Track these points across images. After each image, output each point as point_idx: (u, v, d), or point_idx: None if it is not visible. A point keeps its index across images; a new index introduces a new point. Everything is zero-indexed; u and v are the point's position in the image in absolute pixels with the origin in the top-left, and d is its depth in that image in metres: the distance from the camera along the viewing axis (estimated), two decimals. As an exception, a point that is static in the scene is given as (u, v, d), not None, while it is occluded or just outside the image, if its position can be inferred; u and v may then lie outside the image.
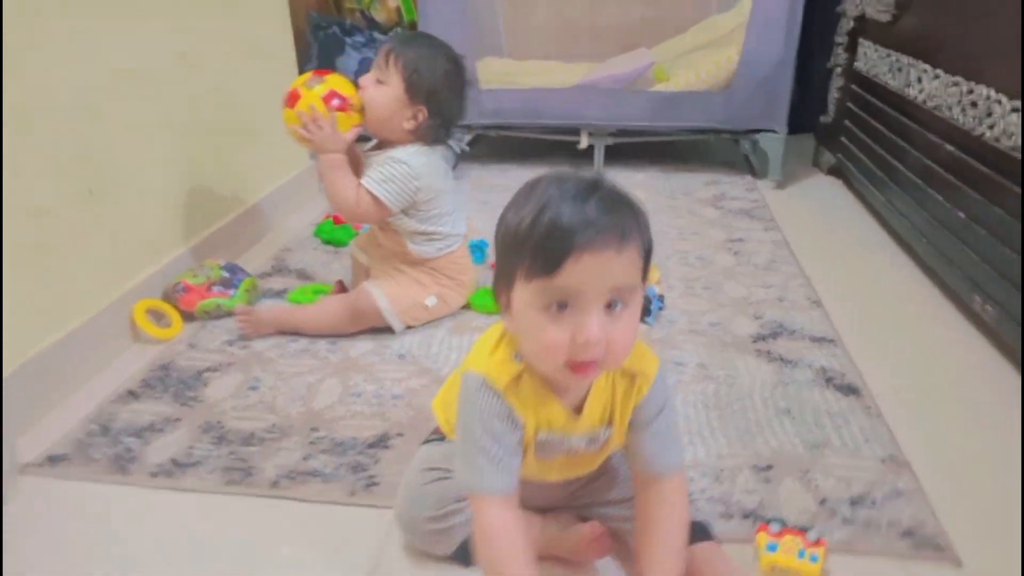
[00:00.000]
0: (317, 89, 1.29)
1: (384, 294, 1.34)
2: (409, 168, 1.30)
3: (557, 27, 2.80)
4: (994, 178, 1.33)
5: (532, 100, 2.23)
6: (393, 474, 1.01)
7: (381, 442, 1.08)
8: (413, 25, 2.83)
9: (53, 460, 1.05)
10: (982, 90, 1.38)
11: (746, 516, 0.95)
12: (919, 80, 1.67)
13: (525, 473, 0.76)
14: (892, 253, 1.78)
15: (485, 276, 1.50)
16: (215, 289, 1.45)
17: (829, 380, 1.24)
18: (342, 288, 1.52)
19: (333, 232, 1.82)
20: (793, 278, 1.63)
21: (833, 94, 2.27)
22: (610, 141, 2.28)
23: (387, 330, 1.37)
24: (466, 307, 1.47)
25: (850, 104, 2.13)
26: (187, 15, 1.55)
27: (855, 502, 0.97)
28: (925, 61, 1.65)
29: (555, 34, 2.80)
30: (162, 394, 1.21)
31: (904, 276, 1.66)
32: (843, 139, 2.16)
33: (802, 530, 0.89)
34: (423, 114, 1.31)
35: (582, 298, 0.64)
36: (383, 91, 1.30)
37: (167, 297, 1.44)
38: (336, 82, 1.31)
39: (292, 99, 1.30)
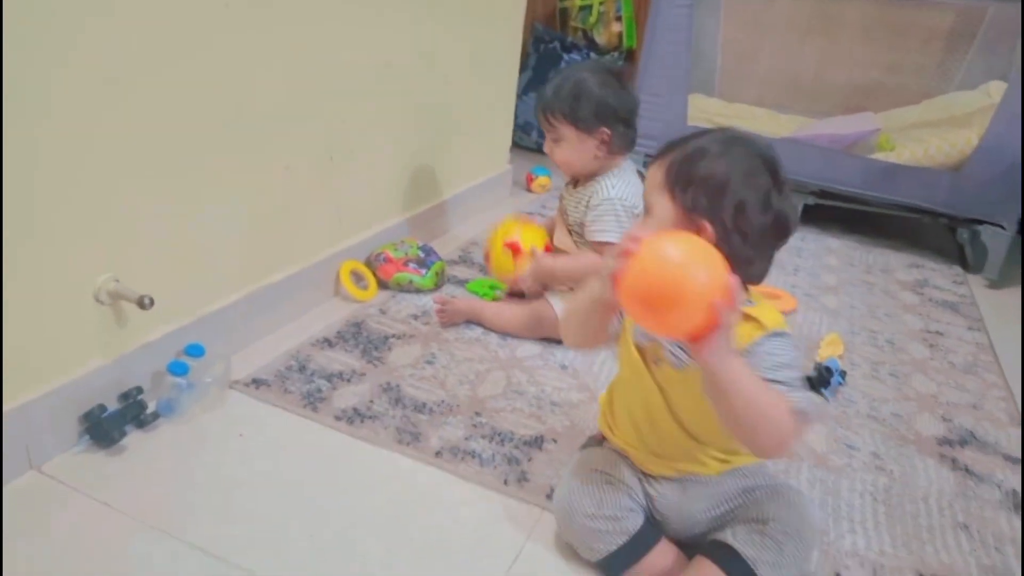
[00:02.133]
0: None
1: (564, 307, 1.39)
2: (622, 203, 1.34)
3: (775, 76, 2.74)
4: None
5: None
6: (544, 475, 1.04)
7: (537, 443, 1.12)
8: (631, 52, 2.89)
9: (257, 383, 1.19)
10: None
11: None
12: None
13: (626, 361, 0.86)
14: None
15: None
16: (410, 266, 1.56)
17: (1019, 506, 1.13)
18: (517, 294, 1.58)
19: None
20: (994, 388, 1.49)
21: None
22: (811, 201, 2.19)
23: (554, 342, 1.41)
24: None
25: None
26: (431, 14, 1.68)
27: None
28: None
29: (771, 83, 2.74)
30: (352, 348, 1.33)
31: None
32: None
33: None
34: (606, 134, 1.34)
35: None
36: (562, 147, 1.36)
37: (368, 264, 1.58)
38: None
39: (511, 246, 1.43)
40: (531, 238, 1.43)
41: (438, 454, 1.07)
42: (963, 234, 2.16)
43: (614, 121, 1.34)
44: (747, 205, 0.76)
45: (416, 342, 1.38)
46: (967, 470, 1.20)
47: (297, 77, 1.28)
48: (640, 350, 0.86)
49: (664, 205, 0.79)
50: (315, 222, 1.44)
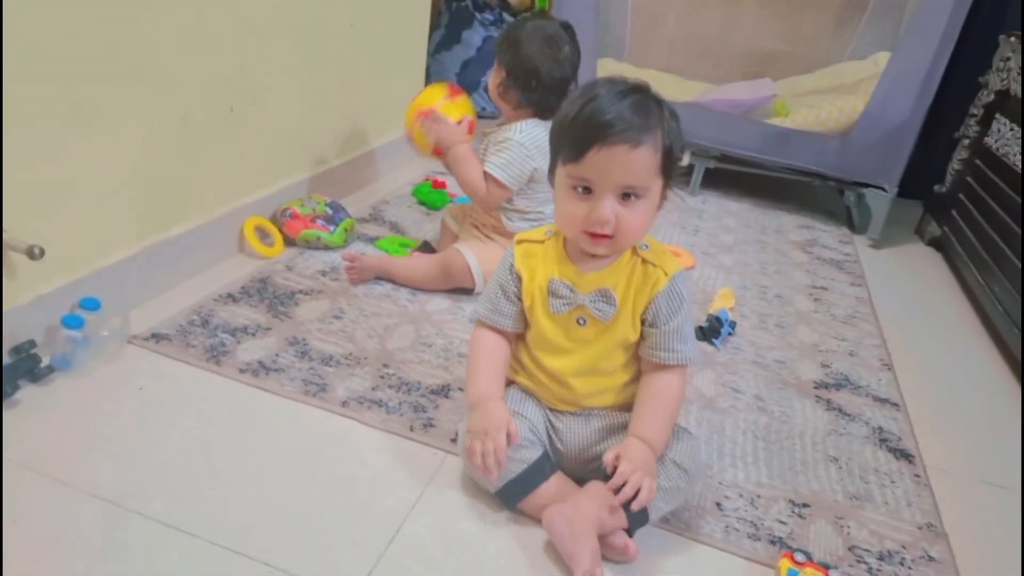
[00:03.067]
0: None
1: (474, 255, 1.42)
2: (523, 148, 1.36)
3: (682, 42, 2.82)
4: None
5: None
6: (449, 421, 1.08)
7: (443, 391, 1.16)
8: (543, 13, 2.90)
9: (156, 337, 1.17)
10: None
11: (772, 542, 0.97)
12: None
13: (544, 334, 0.93)
14: (978, 336, 1.74)
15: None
16: (318, 222, 1.55)
17: (884, 441, 1.25)
18: (427, 248, 1.60)
19: (429, 195, 1.91)
20: (869, 336, 1.62)
21: (954, 165, 2.22)
22: (712, 164, 2.29)
23: (463, 294, 1.44)
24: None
25: (969, 179, 2.08)
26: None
27: (884, 557, 0.98)
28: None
29: (678, 49, 2.82)
30: (258, 304, 1.31)
31: (985, 362, 1.63)
32: (953, 212, 2.12)
33: (825, 567, 0.91)
34: (503, 78, 1.37)
35: (598, 185, 0.84)
36: (492, 76, 1.40)
37: (274, 220, 1.56)
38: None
39: (425, 114, 1.43)
40: (451, 109, 1.44)
41: (344, 404, 1.09)
42: (850, 196, 2.31)
43: (527, 78, 1.36)
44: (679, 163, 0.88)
45: (324, 298, 1.38)
46: (840, 410, 1.32)
47: (194, 18, 1.23)
48: (556, 319, 0.93)
49: (654, 191, 0.88)
50: (217, 175, 1.40)
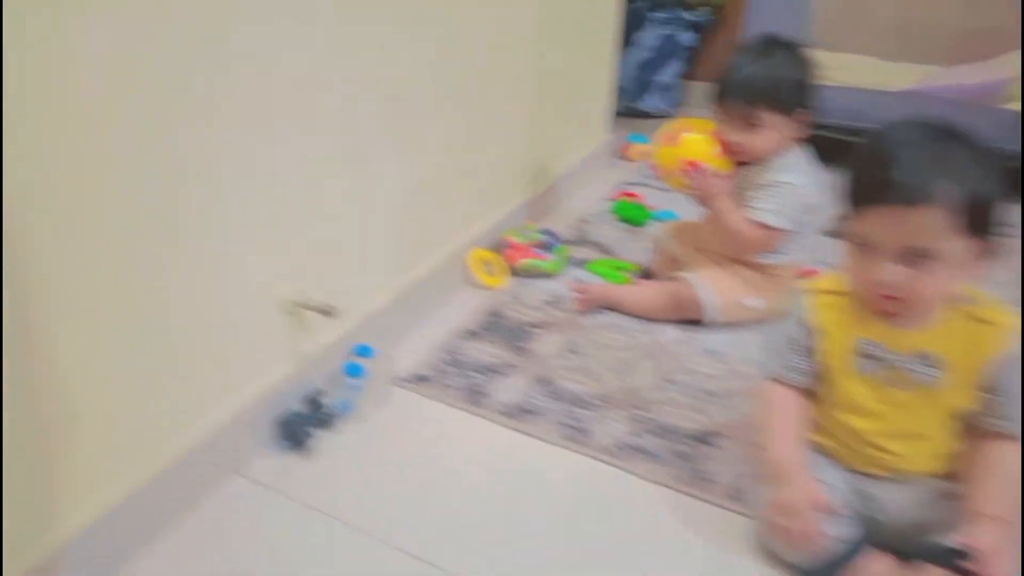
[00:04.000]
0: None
1: (707, 286, 1.38)
2: (798, 189, 1.31)
3: (880, 20, 2.58)
4: None
5: (855, 100, 2.08)
6: (720, 473, 1.05)
7: (703, 438, 1.13)
8: (720, 7, 2.79)
9: (419, 379, 1.23)
10: None
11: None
12: None
13: (859, 396, 0.86)
14: None
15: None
16: (536, 251, 1.57)
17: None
18: (644, 274, 1.57)
19: (630, 211, 1.88)
20: None
21: None
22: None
23: (692, 323, 1.41)
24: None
25: None
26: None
27: None
28: None
29: (876, 28, 2.58)
30: (496, 339, 1.35)
31: None
32: None
33: None
34: (807, 115, 1.30)
35: (874, 245, 0.78)
36: (765, 136, 1.30)
37: (494, 251, 1.59)
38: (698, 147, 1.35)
39: (692, 165, 1.35)
40: (719, 164, 1.34)
41: (608, 451, 1.09)
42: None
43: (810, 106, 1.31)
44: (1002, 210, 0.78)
45: (555, 330, 1.39)
46: None
47: (441, 62, 1.28)
48: (868, 381, 0.87)
49: (956, 248, 0.77)
50: (444, 211, 1.45)
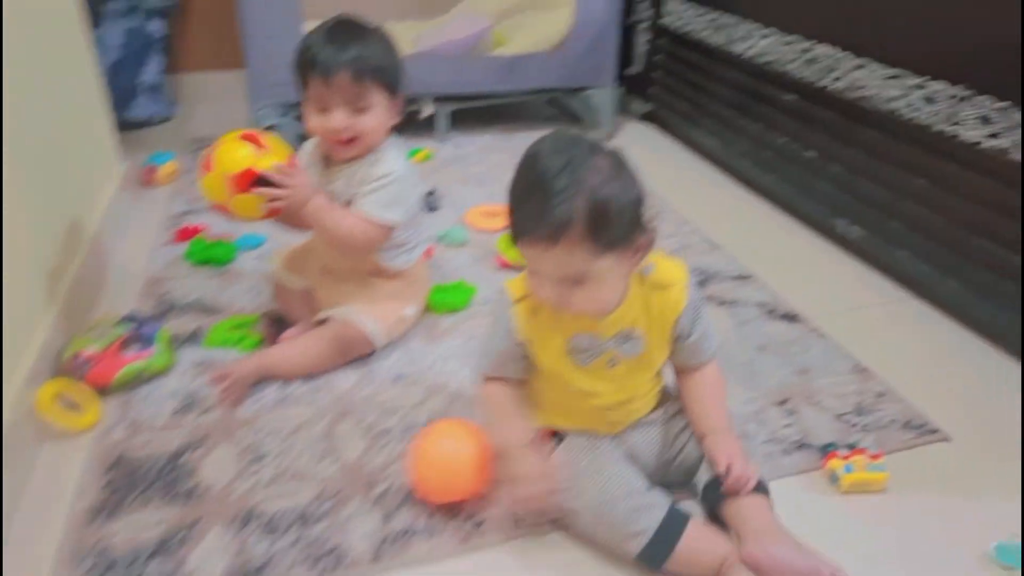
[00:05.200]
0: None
1: (368, 317, 1.21)
2: (402, 177, 1.18)
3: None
4: (843, 123, 1.60)
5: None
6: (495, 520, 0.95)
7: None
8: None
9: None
10: (821, 48, 1.64)
11: (799, 447, 1.08)
12: (747, 38, 1.90)
13: (583, 385, 0.90)
14: (730, 188, 2.02)
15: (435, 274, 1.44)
16: (128, 352, 1.17)
17: (771, 312, 1.43)
18: (273, 319, 1.32)
19: (207, 251, 1.55)
20: (681, 224, 1.79)
21: (640, 47, 2.47)
22: (454, 107, 2.23)
23: (361, 359, 1.24)
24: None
25: (661, 56, 2.34)
26: None
27: (860, 412, 1.16)
28: (753, 20, 1.88)
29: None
30: (141, 497, 0.97)
31: (758, 209, 1.92)
32: (658, 89, 2.38)
33: (860, 448, 1.04)
34: (401, 100, 1.20)
35: (536, 269, 0.82)
36: (373, 116, 1.14)
37: (67, 375, 1.13)
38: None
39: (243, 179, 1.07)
40: (269, 159, 1.08)
41: (376, 559, 0.89)
42: (578, 102, 2.45)
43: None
44: (639, 208, 0.81)
45: (215, 443, 1.06)
46: (724, 301, 1.46)
47: None
48: (586, 369, 0.91)
49: (604, 264, 0.79)
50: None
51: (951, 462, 1.07)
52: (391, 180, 1.17)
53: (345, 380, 1.20)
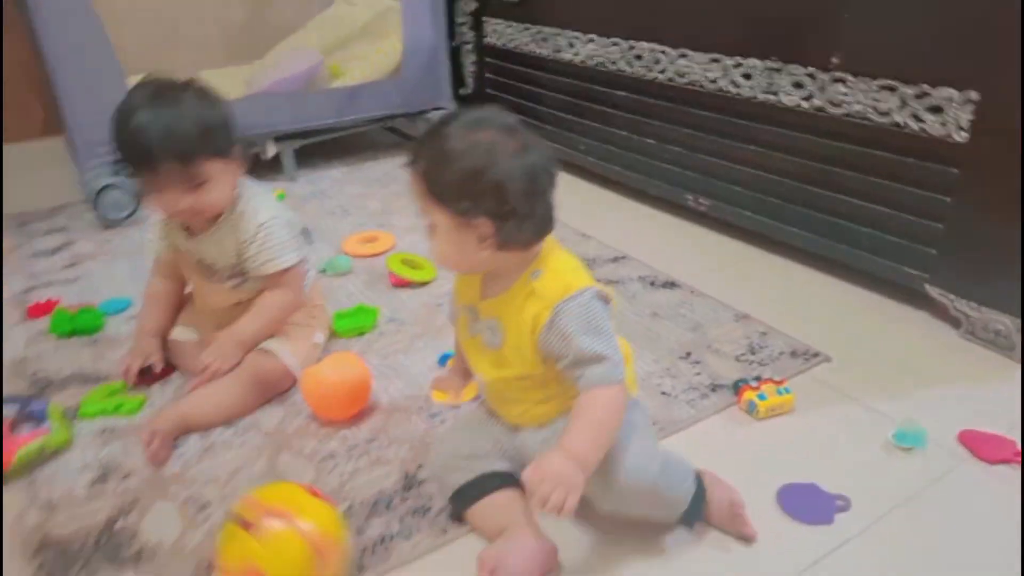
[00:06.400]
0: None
1: (285, 350, 1.19)
2: (278, 216, 1.19)
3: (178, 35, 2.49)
4: (676, 108, 1.79)
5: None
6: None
7: (408, 487, 1.01)
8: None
9: None
10: (643, 45, 1.83)
11: (714, 389, 1.20)
12: (572, 45, 2.06)
13: (469, 351, 0.93)
14: (583, 185, 2.17)
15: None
16: (23, 432, 1.05)
17: (653, 283, 1.57)
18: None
19: (75, 321, 1.42)
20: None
21: (469, 68, 2.58)
22: (298, 144, 2.21)
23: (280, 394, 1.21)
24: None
25: (491, 74, 2.47)
26: None
27: (753, 351, 1.31)
28: (572, 29, 2.05)
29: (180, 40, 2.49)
30: (89, 569, 0.88)
31: (612, 198, 2.08)
32: (494, 105, 2.50)
33: (766, 379, 1.18)
34: (239, 150, 1.18)
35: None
36: (213, 186, 1.11)
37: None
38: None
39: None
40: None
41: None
42: (419, 126, 2.51)
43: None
44: (505, 183, 0.77)
45: (150, 504, 0.99)
46: (610, 281, 1.58)
47: None
48: (471, 341, 0.92)
49: (441, 219, 0.79)
50: None
51: (836, 377, 1.24)
52: (273, 226, 1.17)
53: (271, 417, 1.16)
